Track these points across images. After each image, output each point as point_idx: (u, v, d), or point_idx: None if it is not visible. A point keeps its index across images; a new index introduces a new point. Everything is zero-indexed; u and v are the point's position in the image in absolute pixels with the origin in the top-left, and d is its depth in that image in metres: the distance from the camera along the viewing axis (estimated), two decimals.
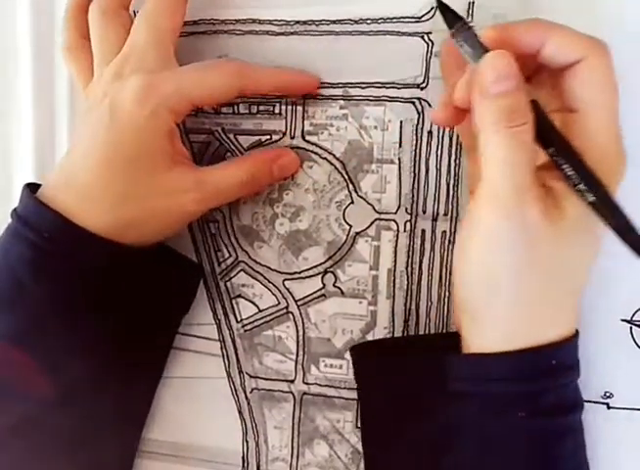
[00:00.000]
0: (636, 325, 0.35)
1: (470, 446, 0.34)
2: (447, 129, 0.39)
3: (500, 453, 0.33)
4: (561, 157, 0.31)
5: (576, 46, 0.31)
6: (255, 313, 0.43)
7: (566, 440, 0.33)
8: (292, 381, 0.43)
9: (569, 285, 0.33)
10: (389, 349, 0.39)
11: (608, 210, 0.30)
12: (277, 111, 0.42)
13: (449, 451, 0.35)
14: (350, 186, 0.41)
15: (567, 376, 0.33)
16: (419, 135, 0.40)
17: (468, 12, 0.38)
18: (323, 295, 0.42)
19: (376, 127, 0.40)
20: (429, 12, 0.39)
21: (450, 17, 0.32)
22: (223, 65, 0.40)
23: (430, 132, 0.40)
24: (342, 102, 0.41)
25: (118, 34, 0.40)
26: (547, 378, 0.33)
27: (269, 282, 0.43)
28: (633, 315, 0.35)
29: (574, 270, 0.33)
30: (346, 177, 0.41)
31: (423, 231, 0.40)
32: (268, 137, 0.42)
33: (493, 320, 0.33)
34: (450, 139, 0.39)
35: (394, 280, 0.41)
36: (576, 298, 0.34)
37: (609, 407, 0.36)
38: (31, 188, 0.40)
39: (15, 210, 0.40)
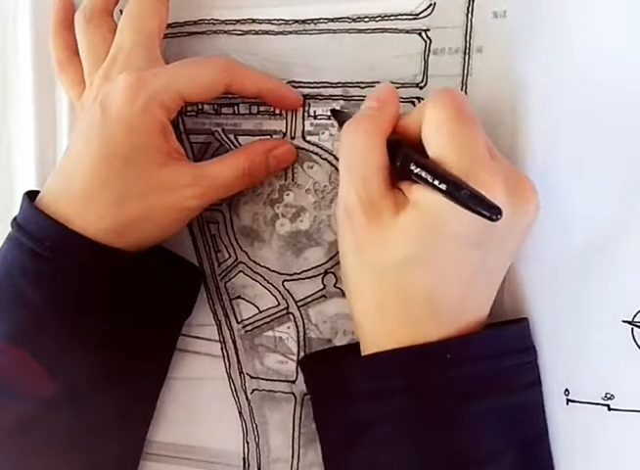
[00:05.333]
0: (637, 326, 0.35)
1: (374, 441, 0.35)
2: None
3: (384, 447, 0.34)
4: (408, 163, 0.33)
5: (420, 114, 0.34)
6: (256, 314, 0.43)
7: (462, 427, 0.33)
8: (293, 381, 0.43)
9: (437, 282, 0.33)
10: (327, 355, 0.40)
11: (453, 191, 0.31)
12: (277, 111, 0.42)
13: (359, 447, 0.35)
14: None
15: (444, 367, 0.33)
16: None
17: (467, 9, 0.37)
18: (324, 295, 0.42)
19: None
20: (426, 9, 0.38)
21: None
22: (211, 60, 0.40)
23: None
24: (342, 102, 0.41)
25: (105, 41, 0.41)
26: (428, 371, 0.33)
27: (269, 283, 0.43)
28: (634, 316, 0.35)
29: (439, 266, 0.33)
30: None
31: None
32: (269, 138, 0.42)
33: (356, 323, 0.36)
34: None
35: None
36: (457, 297, 0.34)
37: (609, 409, 0.35)
38: (32, 195, 0.40)
39: (15, 219, 0.40)
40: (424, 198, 0.32)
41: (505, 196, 0.31)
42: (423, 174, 0.32)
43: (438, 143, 0.32)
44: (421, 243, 0.32)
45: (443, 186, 0.31)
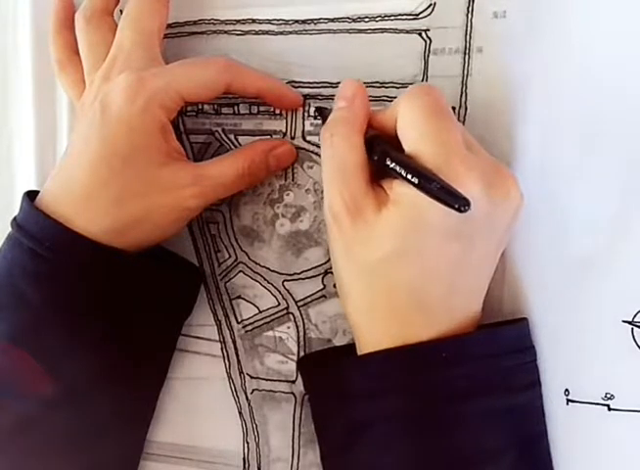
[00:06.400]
0: (637, 326, 0.35)
1: (373, 441, 0.34)
2: None
3: (387, 448, 0.34)
4: (384, 158, 0.33)
5: (395, 109, 0.34)
6: (256, 314, 0.43)
7: (462, 427, 0.33)
8: (293, 381, 0.43)
9: (426, 280, 0.33)
10: (326, 356, 0.40)
11: (425, 184, 0.31)
12: (277, 111, 0.42)
13: (358, 448, 0.35)
14: None
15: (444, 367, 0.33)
16: None
17: (467, 9, 0.37)
18: (324, 296, 0.42)
19: None
20: (426, 9, 0.38)
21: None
22: (211, 60, 0.40)
23: None
24: None
25: (105, 41, 0.41)
26: (428, 371, 0.33)
27: (269, 283, 0.43)
28: (634, 316, 0.35)
29: (428, 263, 0.33)
30: None
31: None
32: (269, 138, 0.42)
33: (355, 326, 0.36)
34: None
35: None
36: (443, 291, 0.34)
37: (609, 409, 0.35)
38: (31, 195, 0.40)
39: (14, 219, 0.40)
40: (402, 193, 0.33)
41: (481, 187, 0.32)
42: (397, 169, 0.32)
43: (413, 138, 0.33)
44: (402, 238, 0.33)
45: (415, 179, 0.31)
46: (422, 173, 0.31)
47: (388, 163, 0.33)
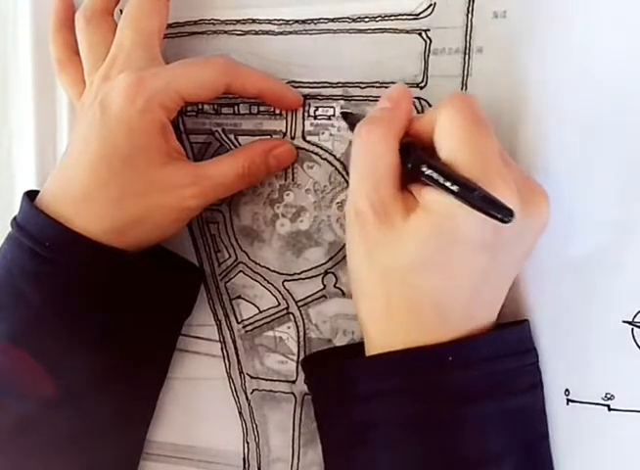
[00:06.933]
0: (637, 326, 0.35)
1: (376, 442, 0.34)
2: None
3: (400, 446, 0.34)
4: (420, 165, 0.32)
5: (433, 116, 0.33)
6: (256, 314, 0.43)
7: (464, 430, 0.33)
8: (293, 381, 0.43)
9: (442, 284, 0.33)
10: (328, 356, 0.40)
11: (465, 193, 0.30)
12: (277, 111, 0.42)
13: (361, 448, 0.35)
14: None
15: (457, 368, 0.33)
16: None
17: (467, 9, 0.37)
18: (324, 296, 0.42)
19: None
20: (426, 9, 0.38)
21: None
22: (211, 60, 0.40)
23: None
24: (342, 102, 0.41)
25: (106, 41, 0.41)
26: (434, 371, 0.33)
27: (269, 283, 0.43)
28: (634, 317, 0.35)
29: (447, 270, 0.33)
30: (347, 178, 0.41)
31: None
32: (269, 138, 0.42)
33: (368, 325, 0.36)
34: None
35: None
36: (465, 301, 0.33)
37: (610, 409, 0.35)
38: (31, 195, 0.40)
39: (14, 219, 0.40)
40: (434, 201, 0.32)
41: (517, 202, 0.31)
42: (434, 176, 0.31)
43: (450, 146, 0.32)
44: (430, 246, 0.32)
45: (455, 188, 0.30)
46: (462, 182, 0.30)
47: (424, 169, 0.32)
